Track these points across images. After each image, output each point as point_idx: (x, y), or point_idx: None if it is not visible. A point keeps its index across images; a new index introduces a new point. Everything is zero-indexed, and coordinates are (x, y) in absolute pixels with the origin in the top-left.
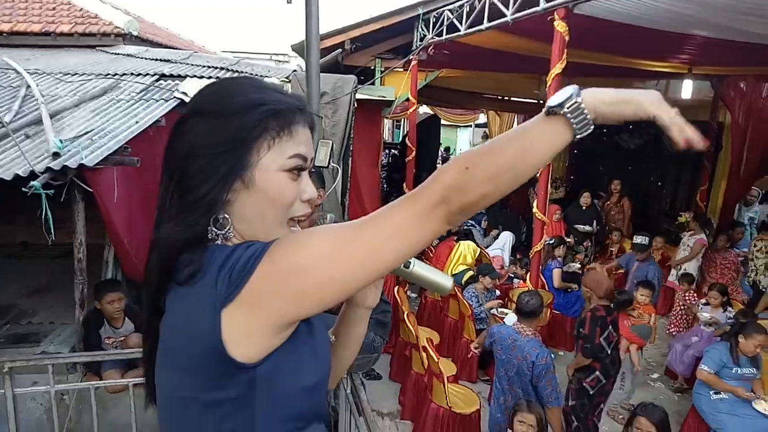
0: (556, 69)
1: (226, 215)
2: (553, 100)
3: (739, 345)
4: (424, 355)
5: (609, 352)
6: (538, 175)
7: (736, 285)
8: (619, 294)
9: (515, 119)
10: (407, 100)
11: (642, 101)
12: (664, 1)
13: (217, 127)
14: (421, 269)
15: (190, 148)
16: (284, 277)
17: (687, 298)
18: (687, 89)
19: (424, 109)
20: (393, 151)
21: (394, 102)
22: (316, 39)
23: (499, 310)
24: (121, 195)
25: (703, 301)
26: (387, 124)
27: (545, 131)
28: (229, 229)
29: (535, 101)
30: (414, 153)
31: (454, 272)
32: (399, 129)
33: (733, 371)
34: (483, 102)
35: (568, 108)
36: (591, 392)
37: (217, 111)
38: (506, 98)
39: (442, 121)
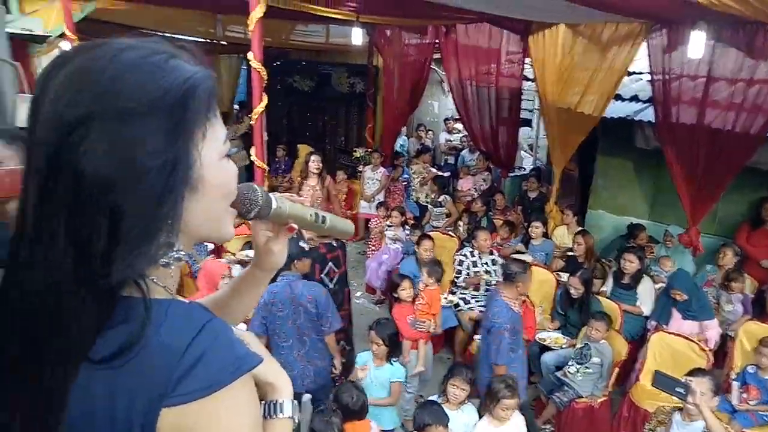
0: (257, 12)
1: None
2: None
3: (419, 255)
4: None
5: (331, 286)
6: (251, 121)
7: (405, 207)
8: None
9: None
10: (62, 35)
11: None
12: None
13: (144, 131)
14: (332, 221)
15: (111, 170)
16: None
17: (381, 222)
18: (357, 36)
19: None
20: None
21: (47, 38)
22: None
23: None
24: None
25: (389, 222)
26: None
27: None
28: (179, 248)
29: (209, 40)
30: None
31: None
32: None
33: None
34: None
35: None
36: None
37: (130, 109)
38: (177, 36)
39: None
